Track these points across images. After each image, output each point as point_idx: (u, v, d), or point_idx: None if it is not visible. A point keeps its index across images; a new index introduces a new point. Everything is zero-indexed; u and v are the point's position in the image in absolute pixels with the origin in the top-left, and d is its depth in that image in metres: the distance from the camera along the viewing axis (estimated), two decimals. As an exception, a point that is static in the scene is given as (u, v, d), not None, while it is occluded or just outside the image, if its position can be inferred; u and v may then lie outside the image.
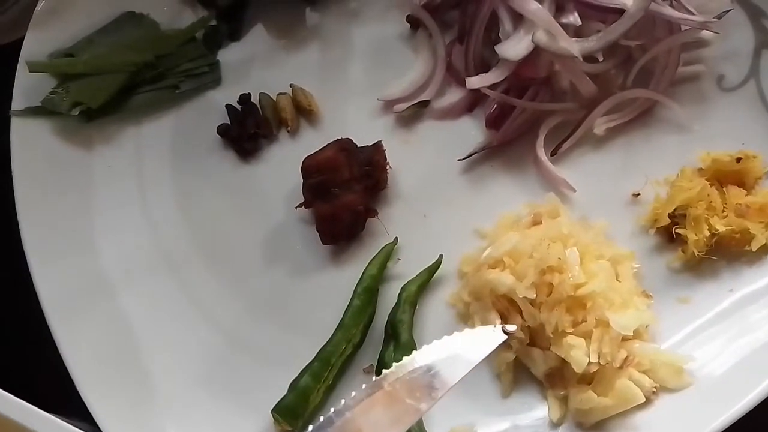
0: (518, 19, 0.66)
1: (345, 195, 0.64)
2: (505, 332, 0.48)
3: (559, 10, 0.65)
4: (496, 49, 0.65)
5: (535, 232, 0.61)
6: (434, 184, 0.69)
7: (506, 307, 0.59)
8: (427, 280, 0.63)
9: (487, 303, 0.59)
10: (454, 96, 0.71)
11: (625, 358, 0.55)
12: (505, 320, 0.58)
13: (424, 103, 0.71)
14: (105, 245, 0.67)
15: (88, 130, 0.71)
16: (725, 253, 0.61)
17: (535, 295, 0.56)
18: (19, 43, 0.72)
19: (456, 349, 0.46)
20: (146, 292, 0.66)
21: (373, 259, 0.64)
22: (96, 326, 0.63)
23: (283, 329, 0.64)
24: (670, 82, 0.67)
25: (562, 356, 0.55)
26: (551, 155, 0.67)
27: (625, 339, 0.57)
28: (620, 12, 0.64)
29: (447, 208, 0.68)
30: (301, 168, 0.65)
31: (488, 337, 0.47)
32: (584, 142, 0.68)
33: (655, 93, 0.67)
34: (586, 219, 0.64)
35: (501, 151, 0.68)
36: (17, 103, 0.70)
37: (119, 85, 0.71)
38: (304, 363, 0.60)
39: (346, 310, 0.62)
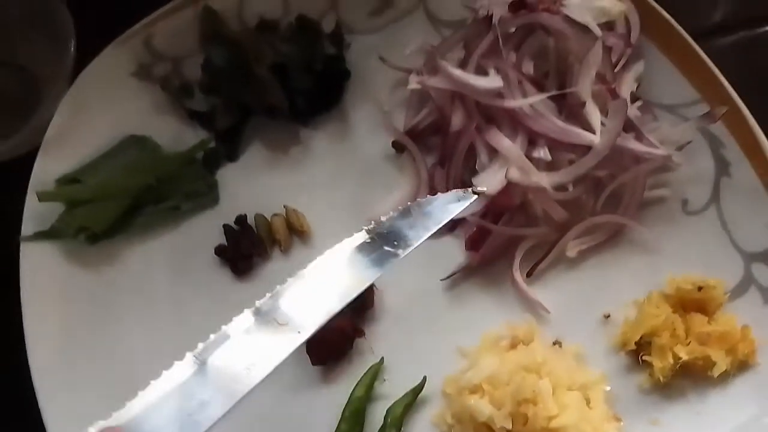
0: (494, 151, 0.71)
1: (334, 319, 0.68)
2: (475, 192, 0.64)
3: (531, 143, 0.70)
4: (473, 182, 0.69)
5: (512, 357, 0.65)
6: (418, 302, 0.73)
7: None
8: (411, 401, 0.67)
9: (469, 427, 0.63)
10: (436, 217, 0.76)
11: (597, 488, 0.59)
12: (486, 444, 0.62)
13: (409, 224, 0.75)
14: (112, 362, 0.70)
15: (92, 251, 0.75)
16: (691, 376, 0.65)
17: (511, 426, 0.60)
18: (26, 157, 0.77)
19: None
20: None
21: (360, 380, 0.67)
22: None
23: (274, 452, 0.67)
24: (638, 205, 0.72)
25: (538, 488, 0.59)
26: (527, 275, 0.71)
27: (596, 466, 0.60)
28: (588, 148, 0.68)
29: (431, 326, 0.71)
30: (292, 294, 0.69)
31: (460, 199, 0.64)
32: (558, 263, 0.72)
33: (623, 218, 0.71)
34: (561, 339, 0.68)
35: (481, 271, 0.73)
36: (27, 227, 0.74)
37: (123, 209, 0.75)
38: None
39: (334, 434, 0.65)
